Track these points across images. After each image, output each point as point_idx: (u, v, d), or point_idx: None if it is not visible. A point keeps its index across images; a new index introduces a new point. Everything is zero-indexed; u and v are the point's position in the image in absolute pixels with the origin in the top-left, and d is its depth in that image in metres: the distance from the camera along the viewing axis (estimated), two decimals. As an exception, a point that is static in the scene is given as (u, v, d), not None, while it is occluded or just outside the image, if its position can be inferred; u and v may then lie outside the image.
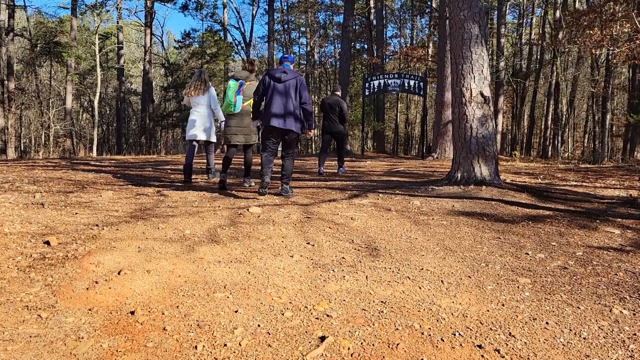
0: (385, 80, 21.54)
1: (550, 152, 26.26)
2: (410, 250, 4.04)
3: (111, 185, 7.02)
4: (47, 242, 3.90)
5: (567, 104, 32.00)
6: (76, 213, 4.93)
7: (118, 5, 30.95)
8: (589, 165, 14.49)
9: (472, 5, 6.65)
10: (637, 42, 13.36)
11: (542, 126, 26.61)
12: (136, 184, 7.27)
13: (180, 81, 31.78)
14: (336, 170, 9.99)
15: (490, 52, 28.62)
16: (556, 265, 3.76)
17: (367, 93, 21.65)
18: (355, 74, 39.89)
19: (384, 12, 31.04)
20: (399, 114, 41.92)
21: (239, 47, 38.35)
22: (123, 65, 34.09)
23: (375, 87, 21.53)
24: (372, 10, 32.07)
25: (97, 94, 26.84)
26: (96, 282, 3.24)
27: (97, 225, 4.46)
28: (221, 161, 7.55)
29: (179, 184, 7.27)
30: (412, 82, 21.25)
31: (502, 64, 25.30)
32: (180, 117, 31.75)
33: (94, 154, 25.69)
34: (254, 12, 39.23)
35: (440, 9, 15.20)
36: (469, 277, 3.48)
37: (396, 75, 21.96)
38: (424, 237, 4.45)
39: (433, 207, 5.56)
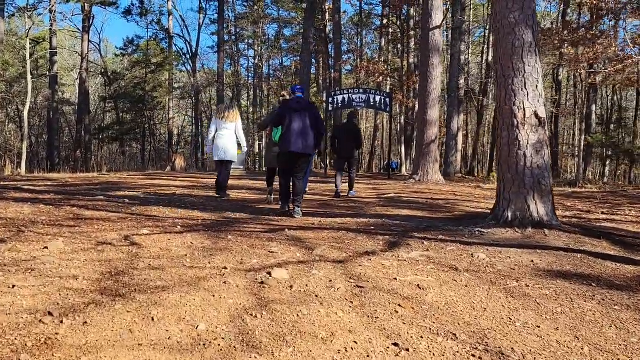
0: (350, 95, 20.37)
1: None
2: (550, 353, 2.66)
3: (58, 226, 5.26)
4: (-33, 362, 2.25)
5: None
6: (14, 286, 3.24)
7: (52, 7, 28.32)
8: (575, 190, 13.78)
9: (525, 6, 5.44)
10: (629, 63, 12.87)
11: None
12: (90, 222, 5.53)
13: (122, 91, 29.35)
14: (334, 195, 10.04)
15: (444, 68, 28.20)
16: None
17: (330, 108, 20.36)
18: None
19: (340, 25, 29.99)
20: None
21: (186, 58, 36.33)
22: (56, 73, 31.26)
23: (339, 102, 20.31)
24: (328, 24, 31.06)
25: (28, 104, 24.14)
26: None
27: (50, 313, 2.82)
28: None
29: (149, 225, 5.60)
30: (377, 98, 20.20)
31: (461, 81, 24.76)
32: (121, 131, 29.32)
33: (23, 170, 22.97)
34: (201, 21, 37.41)
35: (422, 21, 14.17)
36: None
37: (361, 91, 20.83)
38: (544, 322, 3.08)
39: (509, 264, 4.23)
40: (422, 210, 7.61)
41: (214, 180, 14.70)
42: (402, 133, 28.29)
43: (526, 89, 5.41)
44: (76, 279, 3.45)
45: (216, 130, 8.22)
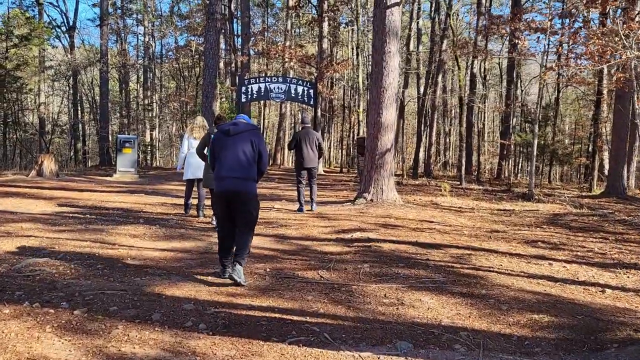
0: (267, 84, 17.00)
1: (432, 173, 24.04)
2: None
3: None
4: None
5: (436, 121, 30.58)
6: None
7: None
8: (538, 208, 11.63)
9: None
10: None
11: (427, 143, 24.26)
12: None
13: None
14: (296, 210, 9.45)
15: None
16: None
17: (243, 99, 16.84)
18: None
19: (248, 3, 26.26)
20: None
21: (61, 31, 30.66)
22: None
23: (255, 92, 16.87)
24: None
25: None
26: None
27: None
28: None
29: None
30: (299, 89, 17.04)
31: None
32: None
33: None
34: (80, -12, 31.75)
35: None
36: None
37: (280, 79, 17.51)
38: None
39: None
40: (453, 295, 4.60)
41: (97, 193, 10.95)
42: (317, 126, 25.37)
43: None
44: None
45: (188, 149, 8.18)
